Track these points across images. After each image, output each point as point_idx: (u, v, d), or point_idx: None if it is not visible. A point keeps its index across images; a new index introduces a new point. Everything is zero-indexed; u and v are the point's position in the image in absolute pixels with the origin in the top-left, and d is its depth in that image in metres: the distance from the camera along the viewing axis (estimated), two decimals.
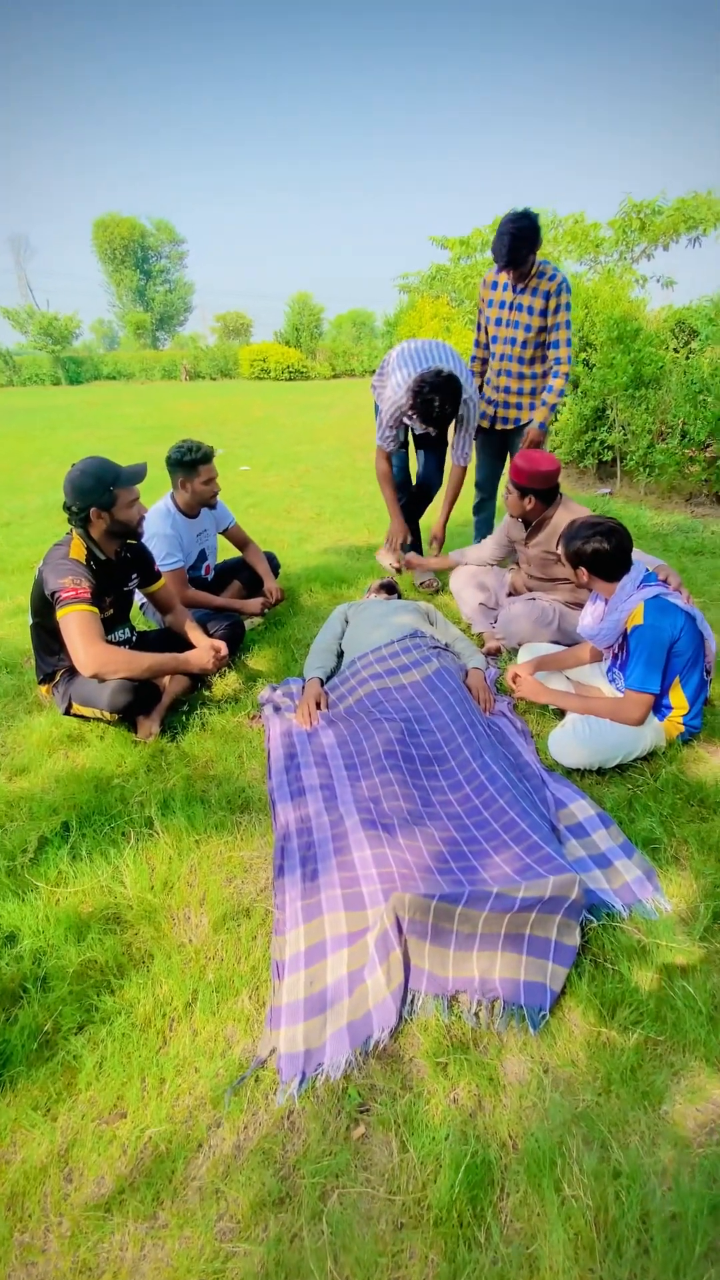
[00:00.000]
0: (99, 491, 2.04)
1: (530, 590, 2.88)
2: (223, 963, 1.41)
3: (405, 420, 2.96)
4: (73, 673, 2.24)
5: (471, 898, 1.34)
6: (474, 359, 3.41)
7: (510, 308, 3.12)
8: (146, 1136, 1.13)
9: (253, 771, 2.05)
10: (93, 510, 2.05)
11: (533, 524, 2.74)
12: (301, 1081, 1.19)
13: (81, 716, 2.26)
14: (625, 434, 5.15)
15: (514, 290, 3.08)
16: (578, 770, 1.97)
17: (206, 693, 2.51)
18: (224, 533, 3.24)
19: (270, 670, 2.70)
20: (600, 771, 1.97)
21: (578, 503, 2.75)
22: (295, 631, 3.04)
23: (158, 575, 2.48)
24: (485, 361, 3.36)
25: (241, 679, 2.59)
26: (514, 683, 2.23)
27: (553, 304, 3.03)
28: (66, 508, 2.07)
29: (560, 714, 2.30)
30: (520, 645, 2.65)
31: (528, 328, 3.10)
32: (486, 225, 10.24)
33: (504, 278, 3.08)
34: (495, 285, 3.15)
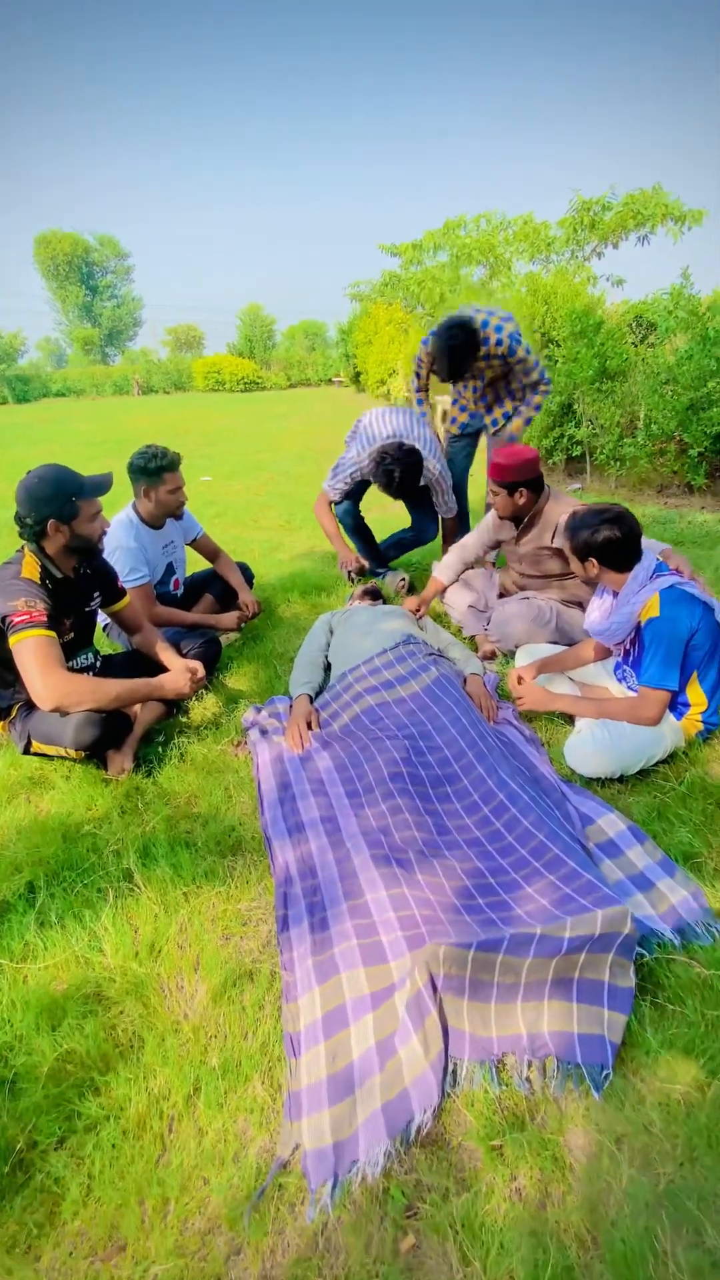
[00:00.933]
0: (58, 502, 1.82)
1: (523, 590, 2.75)
2: (227, 1041, 1.21)
3: (366, 479, 3.10)
4: (31, 706, 2.00)
5: (513, 943, 1.17)
6: (419, 401, 3.42)
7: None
8: (152, 1275, 0.92)
9: (242, 806, 1.84)
10: (50, 523, 1.83)
11: (524, 520, 2.61)
12: (334, 1186, 0.99)
13: (44, 755, 2.02)
14: (594, 428, 5.11)
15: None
16: (597, 779, 1.82)
17: (183, 719, 2.29)
18: (192, 544, 3.03)
19: (252, 689, 2.50)
20: (621, 779, 1.83)
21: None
22: (276, 646, 2.84)
23: (121, 593, 2.26)
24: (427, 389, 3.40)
25: (221, 701, 2.37)
26: (517, 689, 2.08)
27: (504, 350, 2.95)
28: (19, 519, 1.84)
29: (569, 718, 2.15)
30: (517, 647, 2.51)
31: (481, 376, 3.18)
32: (438, 228, 10.25)
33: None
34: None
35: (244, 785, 1.92)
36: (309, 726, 2.08)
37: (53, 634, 1.82)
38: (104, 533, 2.04)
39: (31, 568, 1.89)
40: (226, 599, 3.12)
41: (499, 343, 2.92)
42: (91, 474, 1.95)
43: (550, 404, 5.31)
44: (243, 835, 1.72)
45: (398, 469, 2.82)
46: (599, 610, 1.98)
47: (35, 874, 1.58)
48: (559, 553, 2.52)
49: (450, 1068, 1.12)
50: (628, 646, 1.94)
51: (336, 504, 3.31)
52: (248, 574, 3.19)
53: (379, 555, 3.54)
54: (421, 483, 3.06)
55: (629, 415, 4.93)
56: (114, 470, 2.07)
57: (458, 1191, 0.99)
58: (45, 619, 1.81)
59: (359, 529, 3.45)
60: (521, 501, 2.52)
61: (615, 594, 1.92)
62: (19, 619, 1.77)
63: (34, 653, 1.75)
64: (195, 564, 3.17)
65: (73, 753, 1.87)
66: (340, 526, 3.43)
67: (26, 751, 1.99)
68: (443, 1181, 1.00)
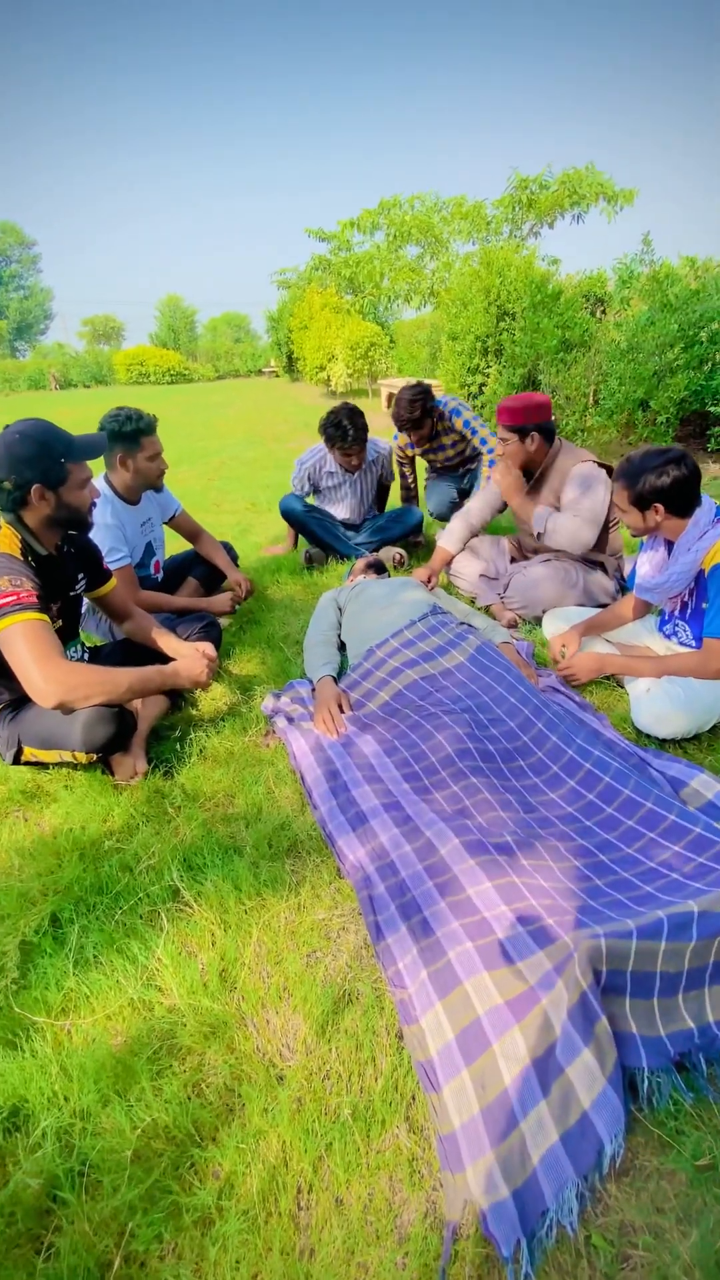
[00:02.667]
0: (45, 464, 1.52)
1: (536, 554, 2.61)
2: (347, 1083, 0.99)
3: (327, 470, 3.26)
4: (18, 707, 1.69)
5: (673, 926, 1.01)
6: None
7: (431, 451, 3.48)
8: None
9: (288, 801, 1.61)
10: (35, 489, 1.53)
11: (535, 475, 2.47)
12: (530, 1248, 0.80)
13: (37, 764, 1.72)
14: (558, 398, 5.08)
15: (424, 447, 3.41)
16: (671, 741, 1.70)
17: (193, 711, 2.02)
18: (170, 522, 2.73)
19: (263, 674, 2.25)
20: (695, 739, 1.71)
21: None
22: (276, 628, 2.59)
23: (107, 574, 1.96)
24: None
25: (232, 690, 2.11)
26: (565, 659, 1.94)
27: (466, 432, 3.27)
28: None
29: (616, 681, 2.03)
30: (544, 613, 2.37)
31: (448, 457, 3.51)
32: (374, 207, 10.04)
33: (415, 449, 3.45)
34: (411, 446, 3.42)
35: (284, 778, 1.68)
36: (340, 709, 1.86)
37: (45, 618, 1.52)
38: (94, 503, 1.75)
39: (10, 541, 1.58)
40: (210, 582, 2.84)
41: (443, 415, 3.26)
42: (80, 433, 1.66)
43: (513, 376, 5.24)
44: (296, 834, 1.49)
45: (339, 416, 3.03)
46: (650, 564, 1.86)
47: (58, 904, 1.29)
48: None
49: (627, 1079, 0.95)
50: (685, 599, 1.83)
51: (296, 498, 3.30)
52: (231, 553, 2.91)
53: (332, 547, 3.33)
54: (377, 469, 3.34)
55: (593, 384, 4.92)
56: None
57: (673, 1231, 0.82)
58: (35, 600, 1.51)
59: (320, 523, 3.29)
60: (533, 448, 2.39)
61: (669, 544, 1.80)
62: (4, 601, 1.46)
63: (27, 639, 1.45)
64: (171, 547, 2.87)
65: (80, 757, 1.58)
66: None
67: (16, 761, 1.68)
68: (651, 1219, 0.83)
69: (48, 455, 1.53)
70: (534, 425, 2.32)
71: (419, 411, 3.08)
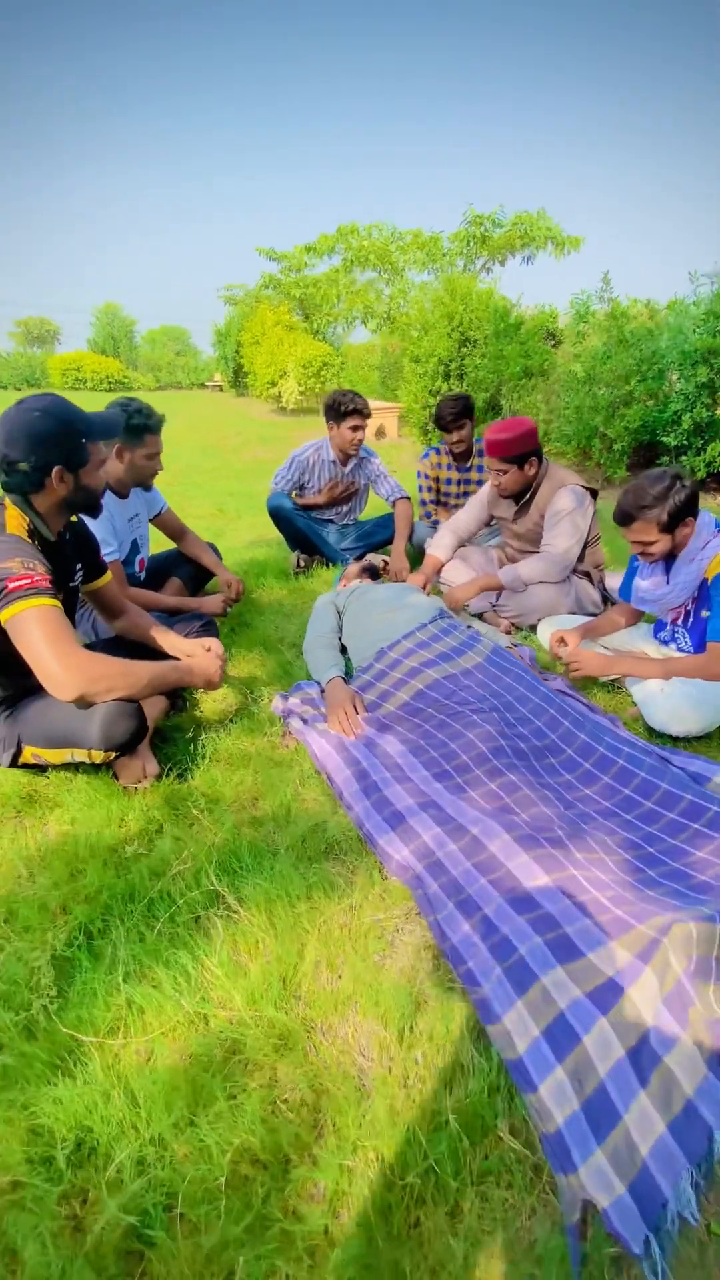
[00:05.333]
0: (69, 445, 1.43)
1: None
2: (438, 1088, 0.94)
3: (329, 460, 3.23)
4: (15, 703, 1.55)
5: None
6: None
7: (462, 472, 3.52)
8: None
9: (317, 803, 1.54)
10: (56, 470, 1.42)
11: (525, 497, 2.53)
12: (660, 1242, 0.78)
13: (36, 766, 1.57)
14: None
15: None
16: (684, 739, 1.76)
17: (198, 713, 1.92)
18: (155, 520, 2.62)
19: (264, 676, 2.17)
20: (700, 739, 1.78)
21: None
22: (269, 631, 2.51)
23: (103, 567, 1.85)
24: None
25: (235, 691, 2.02)
26: (569, 655, 1.98)
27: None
28: (7, 464, 1.40)
29: (618, 686, 2.09)
30: (539, 620, 2.42)
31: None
32: (332, 233, 10.23)
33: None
34: (444, 465, 3.52)
35: (309, 780, 1.62)
36: (354, 710, 1.82)
37: (59, 604, 1.41)
38: (107, 487, 1.65)
39: (18, 523, 1.46)
40: (195, 583, 2.74)
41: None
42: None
43: (477, 399, 5.42)
44: (332, 835, 1.43)
45: (348, 395, 3.07)
46: (649, 579, 1.93)
47: (88, 915, 1.17)
48: None
49: None
50: (688, 607, 1.91)
51: (285, 495, 3.26)
52: (216, 554, 2.82)
53: (318, 549, 3.31)
54: (362, 483, 3.36)
55: (551, 410, 5.17)
56: None
57: None
58: (49, 585, 1.39)
59: (308, 523, 3.26)
60: (532, 472, 2.45)
61: (665, 562, 1.88)
62: (16, 584, 1.34)
63: (43, 626, 1.34)
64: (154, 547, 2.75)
65: (96, 755, 1.45)
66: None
67: (14, 763, 1.53)
68: None
69: (71, 435, 1.44)
70: (531, 451, 2.39)
71: (460, 408, 3.16)
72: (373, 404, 8.91)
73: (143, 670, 1.48)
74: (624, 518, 1.77)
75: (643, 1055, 0.95)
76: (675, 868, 1.26)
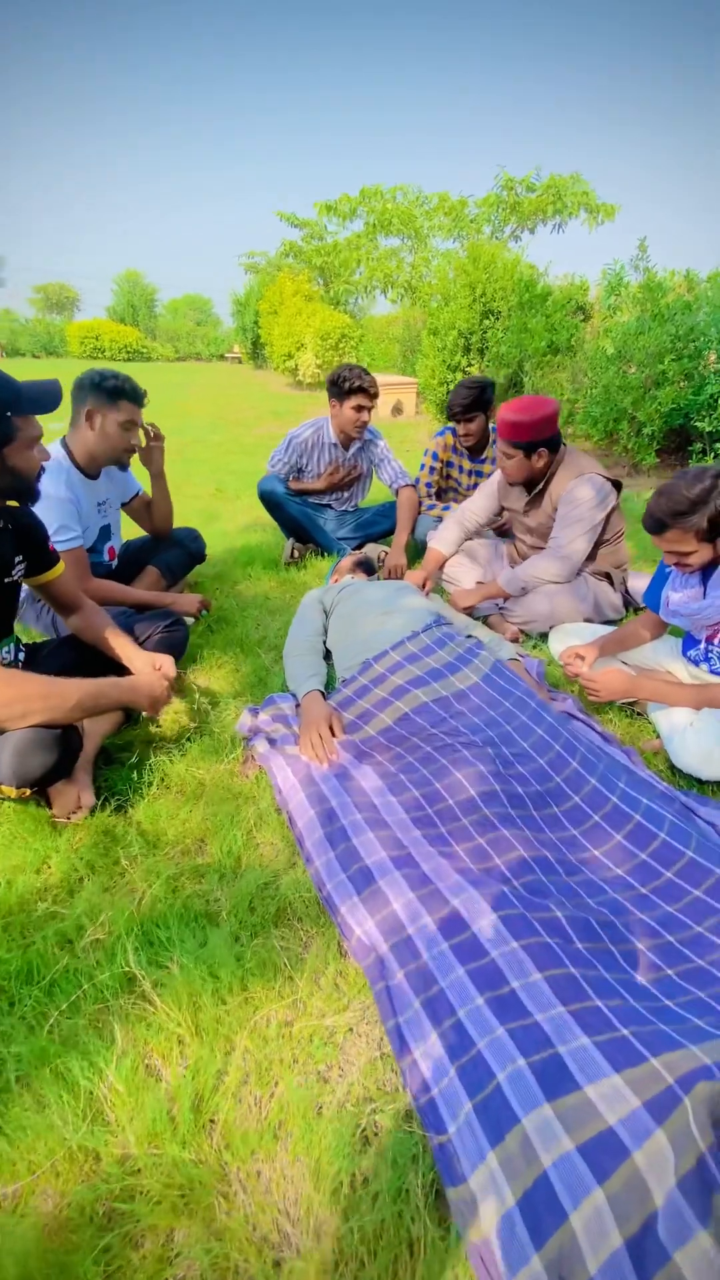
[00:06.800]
0: None
1: None
2: (382, 1274, 0.72)
3: (329, 443, 2.94)
4: None
5: None
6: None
7: (476, 462, 3.23)
8: None
9: (271, 849, 1.32)
10: None
11: (538, 486, 2.25)
12: None
13: None
14: None
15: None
16: (714, 783, 1.50)
17: (153, 728, 1.69)
18: (127, 505, 2.38)
19: (236, 685, 1.94)
20: None
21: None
22: (250, 630, 2.28)
23: (53, 558, 1.62)
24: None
25: (199, 704, 1.80)
26: (587, 675, 1.72)
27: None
28: None
29: (633, 711, 1.83)
30: (550, 629, 2.16)
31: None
32: (355, 195, 9.73)
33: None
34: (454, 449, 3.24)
35: (268, 818, 1.39)
36: (331, 732, 1.58)
37: None
38: (43, 468, 1.42)
39: None
40: (176, 574, 2.50)
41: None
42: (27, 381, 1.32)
43: (497, 376, 5.07)
44: (286, 895, 1.20)
45: (354, 367, 2.80)
46: (682, 589, 1.66)
47: None
48: None
49: None
50: None
51: (278, 479, 2.98)
52: (199, 543, 2.57)
53: (312, 538, 3.06)
54: (365, 467, 3.06)
55: (577, 390, 4.80)
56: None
57: None
58: None
59: (302, 509, 2.99)
60: (539, 465, 2.17)
61: (704, 570, 1.60)
62: None
63: None
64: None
65: (9, 791, 1.23)
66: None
67: None
68: None
69: None
70: (543, 441, 2.10)
71: (472, 399, 2.85)
72: (392, 379, 8.53)
73: (71, 690, 1.25)
74: (656, 525, 1.49)
75: (647, 1250, 0.71)
76: (699, 965, 1.01)
